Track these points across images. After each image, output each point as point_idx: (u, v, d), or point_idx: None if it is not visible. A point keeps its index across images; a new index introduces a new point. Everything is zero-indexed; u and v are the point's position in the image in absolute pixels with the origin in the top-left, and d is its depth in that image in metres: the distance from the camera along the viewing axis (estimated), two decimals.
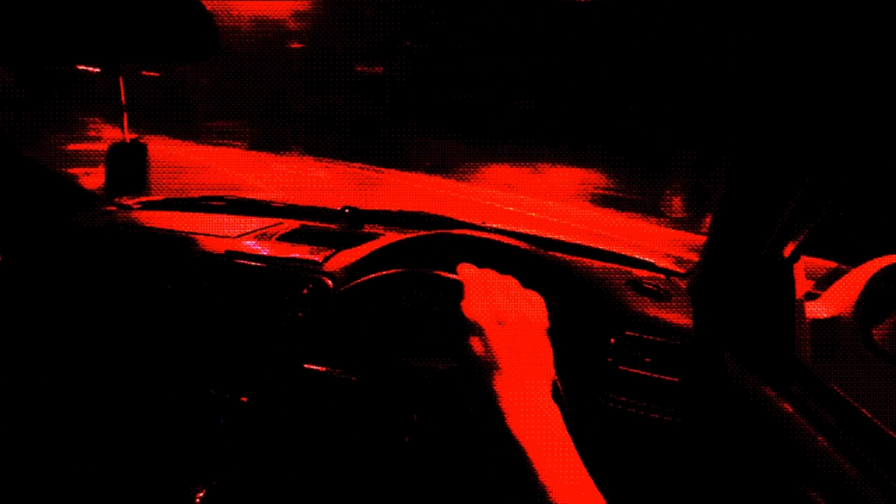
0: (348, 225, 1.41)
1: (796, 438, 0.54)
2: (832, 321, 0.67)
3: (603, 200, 8.74)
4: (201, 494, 1.07)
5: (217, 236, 1.30)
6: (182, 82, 15.94)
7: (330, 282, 1.10)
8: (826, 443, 0.51)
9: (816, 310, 0.67)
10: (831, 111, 0.48)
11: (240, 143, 14.02)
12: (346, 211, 1.43)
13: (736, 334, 0.65)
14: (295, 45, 15.03)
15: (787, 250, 0.61)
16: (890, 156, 0.48)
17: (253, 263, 1.19)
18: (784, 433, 0.56)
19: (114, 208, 1.48)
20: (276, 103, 14.52)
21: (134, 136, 1.07)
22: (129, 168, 1.09)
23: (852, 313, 0.64)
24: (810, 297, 0.68)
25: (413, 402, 0.86)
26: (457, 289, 0.56)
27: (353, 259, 1.17)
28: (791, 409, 0.56)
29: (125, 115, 1.05)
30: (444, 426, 0.85)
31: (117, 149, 1.06)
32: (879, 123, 0.46)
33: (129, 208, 1.52)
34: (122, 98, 1.03)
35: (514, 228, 1.28)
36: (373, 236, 1.31)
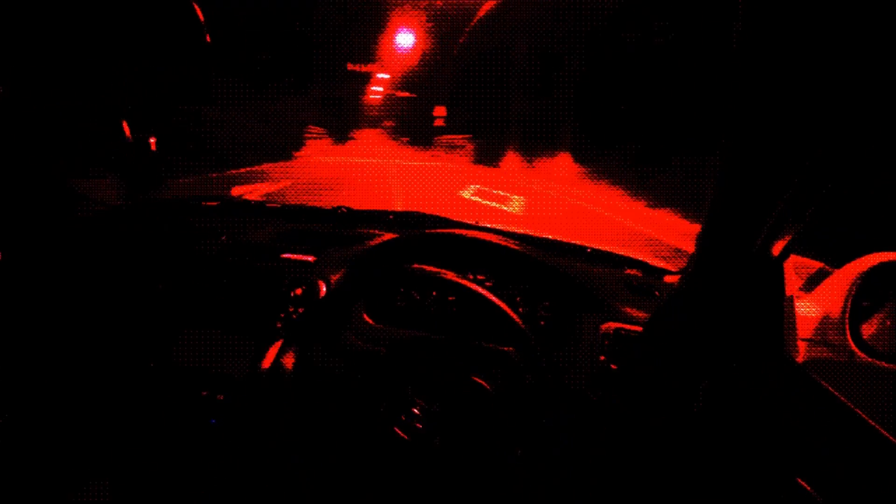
0: (342, 226, 1.41)
1: (790, 435, 0.54)
2: (821, 319, 0.67)
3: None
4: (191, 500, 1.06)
5: (210, 237, 1.30)
6: (427, 103, 17.01)
7: (322, 283, 1.10)
8: (820, 438, 0.51)
9: (805, 308, 0.67)
10: (826, 106, 0.48)
11: (463, 158, 14.48)
12: (340, 211, 1.43)
13: (727, 331, 0.66)
14: (520, 50, 14.82)
15: (778, 248, 0.61)
16: (886, 153, 0.48)
17: (245, 264, 1.18)
18: (778, 429, 0.56)
19: (104, 208, 1.46)
20: (496, 115, 14.45)
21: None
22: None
23: (841, 311, 0.64)
24: (799, 294, 0.68)
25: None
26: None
27: (347, 259, 1.16)
28: (784, 406, 0.56)
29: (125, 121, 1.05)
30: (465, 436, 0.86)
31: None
32: (875, 118, 0.47)
33: (123, 208, 1.50)
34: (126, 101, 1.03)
35: (509, 228, 1.28)
36: (366, 237, 1.31)
